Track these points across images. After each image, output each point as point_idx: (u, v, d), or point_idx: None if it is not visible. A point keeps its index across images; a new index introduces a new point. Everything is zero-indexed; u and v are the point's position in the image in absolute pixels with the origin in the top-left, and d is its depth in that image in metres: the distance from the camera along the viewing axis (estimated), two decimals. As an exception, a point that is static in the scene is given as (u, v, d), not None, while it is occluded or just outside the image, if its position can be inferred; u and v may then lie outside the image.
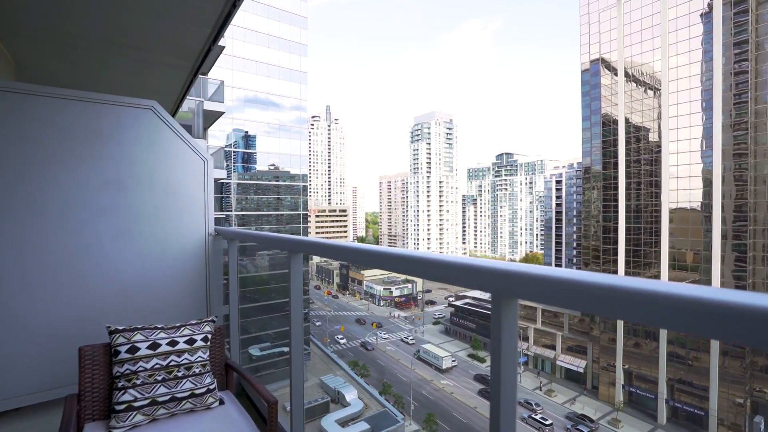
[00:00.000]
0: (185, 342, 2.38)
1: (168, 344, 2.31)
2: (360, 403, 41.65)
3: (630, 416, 43.80)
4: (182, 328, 2.42)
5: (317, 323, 78.96)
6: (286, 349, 44.56)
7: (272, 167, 45.13)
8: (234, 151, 42.12)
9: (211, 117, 17.03)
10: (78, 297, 2.79)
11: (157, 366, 2.24)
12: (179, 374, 2.30)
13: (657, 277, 43.33)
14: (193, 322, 2.50)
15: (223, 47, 14.72)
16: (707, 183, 40.88)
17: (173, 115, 4.84)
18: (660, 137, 44.05)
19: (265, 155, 44.08)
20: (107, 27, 2.61)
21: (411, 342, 69.61)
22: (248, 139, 43.24)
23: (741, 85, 39.72)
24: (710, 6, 40.93)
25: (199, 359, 2.41)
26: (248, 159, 43.53)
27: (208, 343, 2.52)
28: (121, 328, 2.27)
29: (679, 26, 42.02)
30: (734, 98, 39.86)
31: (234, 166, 42.21)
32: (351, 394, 42.08)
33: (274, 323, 44.20)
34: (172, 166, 2.98)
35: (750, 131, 39.22)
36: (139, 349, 2.23)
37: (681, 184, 41.99)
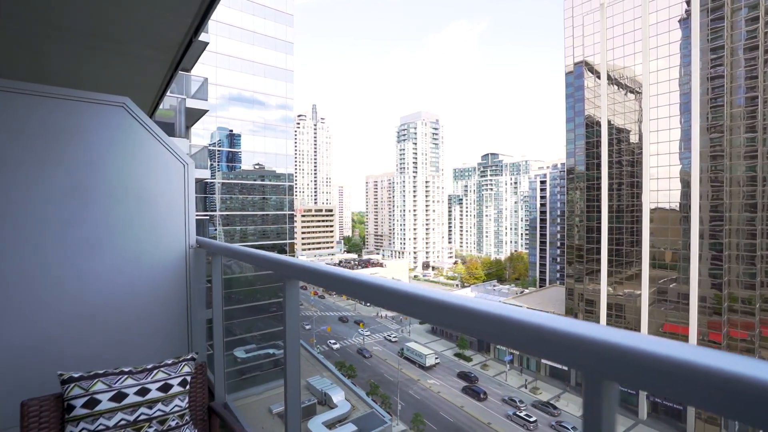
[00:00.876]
0: (159, 389, 1.96)
1: (137, 393, 1.89)
2: (347, 404, 41.30)
3: (612, 412, 44.61)
4: (155, 371, 2.00)
5: (306, 326, 78.12)
6: (272, 351, 43.94)
7: (257, 166, 44.45)
8: (218, 150, 41.27)
9: (195, 115, 16.52)
10: (28, 329, 2.33)
11: (122, 423, 1.81)
12: (150, 431, 1.90)
13: (638, 275, 44.32)
14: (169, 362, 2.08)
15: (206, 43, 14.28)
16: (685, 184, 42.01)
17: (152, 114, 4.50)
18: (641, 139, 45.07)
19: (250, 154, 43.36)
20: (75, 14, 2.25)
21: (394, 340, 70.73)
22: (233, 138, 42.44)
23: (717, 89, 40.94)
24: (688, 12, 42.06)
25: (176, 409, 2.01)
26: (233, 158, 42.75)
27: (188, 387, 2.10)
28: (76, 375, 1.82)
29: (660, 31, 43.05)
30: (710, 102, 41.06)
31: (218, 165, 41.36)
32: (338, 396, 41.71)
33: (260, 325, 43.50)
34: (147, 171, 2.65)
35: (726, 134, 40.46)
36: (99, 402, 1.78)
37: (661, 185, 43.04)
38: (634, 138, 46.16)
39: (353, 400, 44.39)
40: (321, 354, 59.63)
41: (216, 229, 40.49)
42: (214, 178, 40.46)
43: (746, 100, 41.50)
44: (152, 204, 2.69)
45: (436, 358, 59.42)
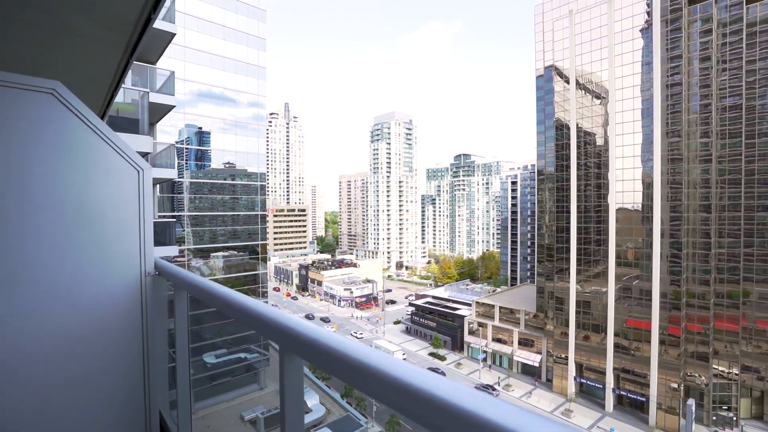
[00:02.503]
0: None
1: None
2: (322, 408, 40.63)
3: (581, 406, 46.28)
4: None
5: None
6: (243, 356, 42.58)
7: (228, 165, 42.95)
8: (186, 148, 39.52)
9: (160, 111, 15.56)
10: None
11: None
12: None
13: (604, 273, 46.01)
14: None
15: (173, 34, 13.43)
16: (646, 185, 43.96)
17: (106, 107, 3.89)
18: (606, 142, 46.83)
19: (220, 153, 41.79)
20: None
21: (360, 336, 72.69)
22: (202, 136, 40.75)
23: (675, 96, 43.06)
24: (648, 23, 44.05)
25: None
26: (202, 156, 41.06)
27: None
28: None
29: (624, 39, 44.85)
30: (669, 108, 43.14)
31: (186, 163, 39.62)
32: (312, 400, 40.96)
33: (230, 328, 42.09)
34: (87, 177, 2.02)
35: (683, 138, 42.64)
36: None
37: (626, 186, 44.85)
38: (600, 141, 47.91)
39: (328, 403, 43.76)
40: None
41: (184, 231, 38.80)
42: (183, 178, 38.74)
43: (701, 107, 43.96)
44: (94, 221, 2.05)
45: (403, 355, 61.15)
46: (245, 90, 42.88)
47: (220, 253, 41.93)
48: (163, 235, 14.38)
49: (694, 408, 40.02)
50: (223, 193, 42.40)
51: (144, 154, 14.77)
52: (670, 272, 42.64)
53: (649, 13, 44.04)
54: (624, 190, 44.87)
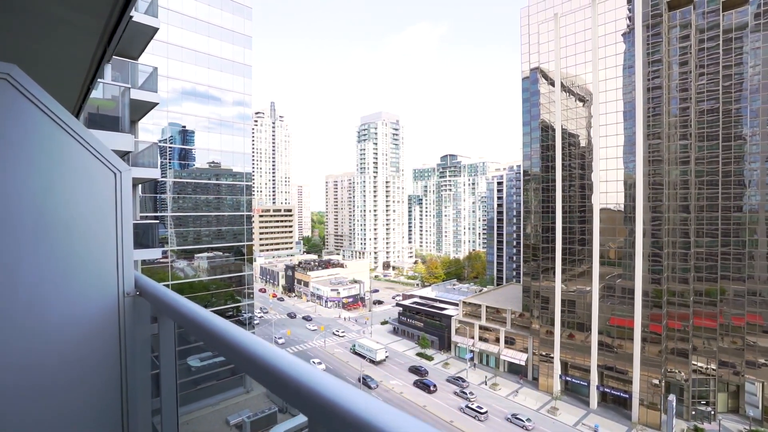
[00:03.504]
0: None
1: None
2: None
3: (566, 404, 46.96)
4: None
5: (255, 323, 75.79)
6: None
7: (212, 165, 42.13)
8: (170, 147, 38.59)
9: (142, 108, 15.08)
10: None
11: None
12: None
13: (589, 272, 46.76)
14: None
15: (156, 29, 12.98)
16: (628, 186, 44.87)
17: (82, 103, 3.56)
18: (590, 144, 47.64)
19: (204, 152, 40.95)
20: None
21: (341, 334, 73.76)
22: (186, 135, 39.86)
23: (655, 99, 44.06)
24: (630, 27, 44.99)
25: None
26: (186, 155, 40.17)
27: None
28: None
29: (607, 43, 45.69)
30: (650, 110, 44.12)
31: (170, 163, 38.69)
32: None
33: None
34: (50, 181, 1.69)
35: (663, 140, 43.67)
36: None
37: (609, 187, 45.69)
38: (584, 142, 48.72)
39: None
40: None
41: (167, 231, 37.88)
42: (166, 177, 37.81)
43: (680, 110, 45.13)
44: (59, 233, 1.72)
45: (386, 353, 61.95)
46: (230, 88, 42.13)
47: (205, 254, 41.12)
48: (145, 236, 13.91)
49: (674, 403, 40.99)
50: (207, 193, 41.57)
51: (125, 153, 14.24)
52: (651, 271, 43.60)
53: (630, 18, 44.96)
54: (608, 191, 45.70)
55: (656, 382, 42.51)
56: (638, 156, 43.64)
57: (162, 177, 37.35)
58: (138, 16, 11.58)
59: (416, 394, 49.55)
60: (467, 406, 45.36)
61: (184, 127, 39.66)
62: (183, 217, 39.53)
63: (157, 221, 16.35)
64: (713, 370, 44.91)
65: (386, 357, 61.44)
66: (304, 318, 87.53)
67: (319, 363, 55.10)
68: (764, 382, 44.72)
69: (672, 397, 41.33)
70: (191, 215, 40.07)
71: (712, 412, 43.85)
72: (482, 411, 43.93)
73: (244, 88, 42.83)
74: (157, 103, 14.65)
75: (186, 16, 38.12)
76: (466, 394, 48.52)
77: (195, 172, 40.80)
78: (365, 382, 51.77)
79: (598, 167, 46.22)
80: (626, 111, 45.13)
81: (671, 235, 44.28)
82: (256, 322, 75.29)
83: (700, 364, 45.00)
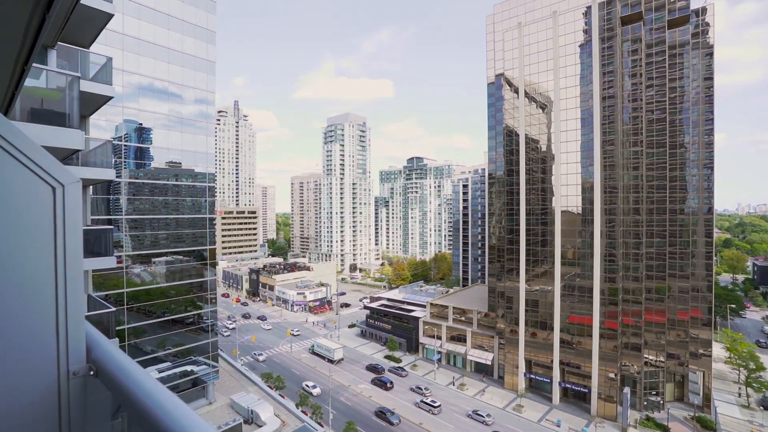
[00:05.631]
0: None
1: None
2: (276, 420, 38.91)
3: (531, 401, 48.48)
4: None
5: (225, 333, 72.90)
6: (190, 369, 39.68)
7: (172, 165, 39.88)
8: (125, 145, 36.08)
9: (94, 102, 13.82)
10: None
11: None
12: None
13: (551, 272, 48.61)
14: None
15: (110, 15, 11.94)
16: (585, 190, 47.15)
17: (14, 92, 2.85)
18: (550, 149, 49.66)
19: (163, 151, 38.65)
20: None
21: (296, 333, 74.17)
22: (142, 132, 37.45)
23: (610, 108, 46.65)
24: (586, 39, 47.43)
25: None
26: (142, 154, 37.73)
27: None
28: None
29: (567, 53, 47.87)
30: (605, 118, 46.65)
31: (125, 162, 36.17)
32: (266, 412, 39.09)
33: (175, 338, 39.09)
34: None
35: (617, 147, 46.29)
36: None
37: (570, 190, 47.79)
38: (545, 147, 50.71)
39: (283, 414, 42.05)
40: (246, 366, 55.67)
41: (122, 235, 35.39)
42: (120, 177, 35.29)
43: (631, 119, 48.07)
44: None
45: (342, 355, 62.69)
46: (192, 85, 40.09)
47: (164, 259, 38.83)
48: (98, 243, 12.76)
49: (629, 395, 43.43)
50: (166, 194, 39.28)
51: (73, 152, 13.00)
52: (607, 271, 46.00)
53: (586, 31, 47.39)
54: (568, 194, 47.78)
55: (612, 376, 44.83)
56: (596, 161, 45.95)
57: (117, 178, 34.86)
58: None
59: (386, 398, 49.35)
60: (422, 401, 47.17)
61: (141, 124, 37.28)
62: (139, 219, 37.13)
63: (112, 227, 15.10)
64: (661, 362, 48.05)
65: (343, 357, 62.35)
66: (258, 318, 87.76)
67: (314, 386, 50.05)
68: (705, 371, 48.44)
69: (627, 390, 43.78)
70: (148, 218, 37.71)
71: (661, 402, 46.86)
72: (436, 405, 46.03)
73: (207, 85, 40.91)
74: (111, 97, 13.48)
75: (144, 6, 35.83)
76: (421, 389, 50.56)
77: (153, 172, 38.43)
78: (384, 416, 43.46)
79: (559, 171, 48.26)
80: (584, 118, 47.43)
81: (625, 236, 46.95)
82: (226, 333, 72.28)
83: (651, 357, 48.02)
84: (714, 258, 52.65)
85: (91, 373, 1.28)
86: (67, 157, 11.69)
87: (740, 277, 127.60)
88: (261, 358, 61.95)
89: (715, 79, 49.99)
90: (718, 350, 56.48)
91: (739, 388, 51.76)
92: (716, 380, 52.27)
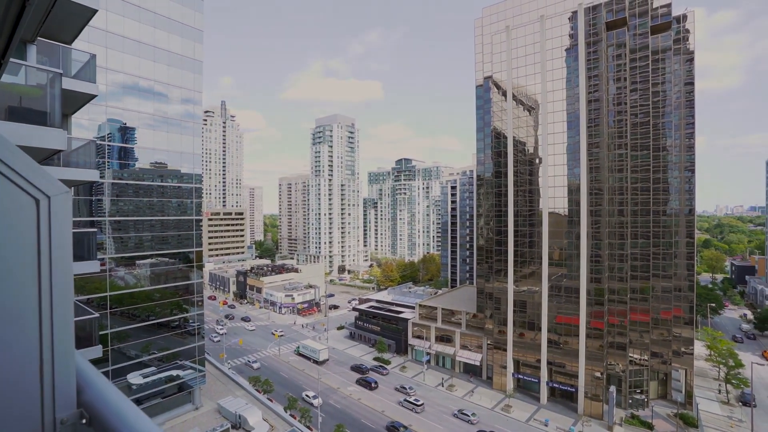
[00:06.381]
0: None
1: None
2: (265, 425, 38.35)
3: (519, 401, 48.87)
4: None
5: (215, 339, 71.38)
6: (176, 373, 38.81)
7: (157, 165, 39.04)
8: (108, 145, 35.15)
9: (76, 100, 13.40)
10: None
11: None
12: None
13: (538, 272, 49.15)
14: None
15: (93, 10, 11.58)
16: (571, 191, 47.86)
17: None
18: (537, 151, 50.29)
19: (148, 151, 37.79)
20: None
21: (281, 334, 73.96)
22: (126, 132, 36.56)
23: (595, 111, 47.47)
24: (573, 44, 48.21)
25: None
26: (126, 155, 36.83)
27: None
28: None
29: (555, 56, 48.56)
30: (590, 121, 47.45)
31: (108, 162, 35.23)
32: (254, 417, 38.50)
33: (160, 342, 38.21)
34: None
35: (602, 149, 47.11)
36: None
37: (557, 192, 48.43)
38: (533, 150, 51.33)
39: (271, 418, 41.49)
40: (233, 370, 54.78)
41: (105, 237, 34.48)
42: (104, 178, 34.35)
43: (615, 122, 49.02)
44: None
45: (329, 354, 63.12)
46: (178, 84, 39.35)
47: (148, 261, 37.97)
48: (80, 247, 12.38)
49: (614, 394, 44.14)
50: (151, 195, 38.44)
51: (55, 152, 12.59)
52: (593, 271, 46.72)
53: (572, 36, 48.16)
54: (555, 195, 48.41)
55: (598, 375, 45.52)
56: (582, 163, 46.67)
57: (100, 179, 33.96)
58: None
59: (371, 398, 49.15)
60: (405, 400, 47.88)
61: (125, 123, 36.40)
62: (123, 221, 36.24)
63: (95, 230, 14.68)
64: (646, 360, 49.02)
65: (328, 357, 62.69)
66: (242, 319, 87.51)
67: (315, 396, 46.69)
68: (687, 369, 49.60)
69: (612, 389, 44.47)
70: (132, 219, 36.84)
71: (646, 400, 47.77)
72: (419, 403, 46.83)
73: (193, 84, 40.21)
74: (94, 96, 13.07)
75: (129, 3, 35.02)
76: (406, 389, 51.37)
77: (137, 173, 37.57)
78: (397, 431, 41.13)
79: (546, 173, 48.87)
80: (570, 121, 48.15)
81: (610, 237, 47.78)
82: (216, 339, 70.58)
83: (635, 356, 48.93)
84: (695, 258, 53.98)
85: (83, 421, 1.08)
86: (48, 157, 11.30)
87: (719, 277, 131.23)
88: (255, 366, 59.45)
89: (695, 84, 51.33)
90: (699, 348, 57.89)
91: (719, 384, 53.14)
92: (698, 377, 53.56)
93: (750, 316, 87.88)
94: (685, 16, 51.36)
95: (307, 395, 48.42)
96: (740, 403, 49.06)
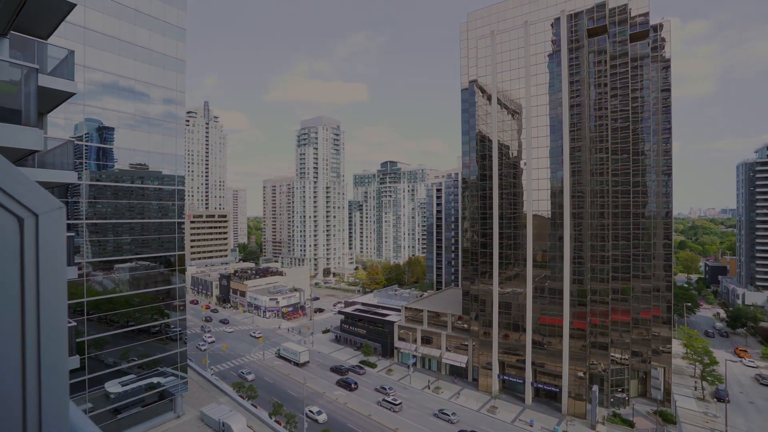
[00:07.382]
0: None
1: None
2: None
3: (505, 402, 49.29)
4: None
5: (202, 347, 69.02)
6: (156, 381, 37.68)
7: (138, 166, 37.96)
8: (86, 146, 33.98)
9: (53, 98, 12.86)
10: None
11: None
12: None
13: (522, 274, 49.76)
14: None
15: (71, 5, 11.12)
16: (554, 194, 48.71)
17: None
18: (521, 154, 51.04)
19: (128, 152, 36.71)
20: None
21: (258, 335, 74.16)
22: (104, 132, 35.42)
23: (577, 115, 48.48)
24: (555, 49, 49.20)
25: None
26: (105, 155, 35.68)
27: None
28: None
29: (538, 62, 49.44)
30: (573, 126, 48.43)
31: (85, 163, 34.05)
32: (238, 424, 37.66)
33: (141, 349, 37.05)
34: None
35: (584, 153, 48.14)
36: None
37: (541, 195, 49.20)
38: (516, 153, 52.06)
39: (256, 425, 40.69)
40: (216, 376, 53.53)
41: (82, 240, 33.27)
42: (81, 180, 33.17)
43: (596, 127, 50.18)
44: None
45: (307, 357, 63.07)
46: (160, 84, 38.41)
47: (128, 265, 36.83)
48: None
49: (597, 393, 44.97)
50: (130, 197, 37.34)
51: (31, 152, 12.06)
52: (575, 272, 47.57)
53: (554, 41, 49.14)
54: (539, 198, 49.16)
55: (581, 374, 46.30)
56: (565, 166, 47.55)
57: (78, 181, 32.80)
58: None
59: (351, 399, 48.82)
60: (384, 400, 48.61)
61: (103, 123, 35.28)
62: (101, 224, 35.07)
63: (72, 234, 14.16)
64: (626, 359, 50.13)
65: (308, 360, 62.77)
66: (221, 321, 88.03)
67: (320, 412, 44.41)
68: (665, 367, 50.98)
69: (595, 388, 45.33)
70: (111, 222, 35.69)
71: (626, 398, 48.83)
72: (396, 403, 47.58)
73: (176, 84, 39.31)
74: (72, 93, 12.55)
75: (107, -1, 33.98)
76: (385, 389, 51.97)
77: (116, 174, 36.44)
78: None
79: (530, 176, 49.61)
80: (553, 125, 49.04)
81: (592, 239, 48.77)
82: (203, 347, 68.21)
83: (616, 355, 49.99)
84: (673, 259, 55.62)
85: None
86: (23, 158, 10.81)
87: (694, 277, 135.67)
88: (250, 377, 55.30)
89: (671, 90, 53.03)
90: (676, 347, 59.63)
91: (695, 381, 54.79)
92: (675, 375, 55.11)
93: (723, 314, 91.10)
94: (661, 25, 53.07)
95: (311, 410, 44.71)
96: (715, 399, 50.69)
